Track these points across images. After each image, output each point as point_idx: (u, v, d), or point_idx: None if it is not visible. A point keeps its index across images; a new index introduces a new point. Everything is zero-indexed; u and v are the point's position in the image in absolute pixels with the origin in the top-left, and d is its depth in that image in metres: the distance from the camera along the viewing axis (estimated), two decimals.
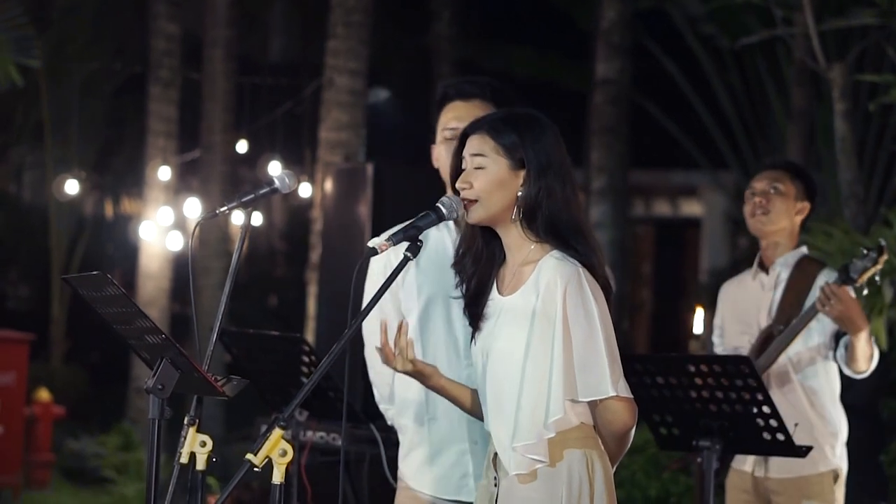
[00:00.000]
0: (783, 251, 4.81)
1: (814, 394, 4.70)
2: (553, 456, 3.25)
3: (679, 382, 4.23)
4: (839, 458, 4.72)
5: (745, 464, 4.76)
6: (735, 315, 4.91)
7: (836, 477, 4.70)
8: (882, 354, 5.04)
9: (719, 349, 4.95)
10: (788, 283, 4.75)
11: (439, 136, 3.94)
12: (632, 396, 3.29)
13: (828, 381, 4.73)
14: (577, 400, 3.25)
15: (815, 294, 4.64)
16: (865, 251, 4.55)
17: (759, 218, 4.77)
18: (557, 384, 3.23)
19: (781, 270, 4.80)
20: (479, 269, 3.40)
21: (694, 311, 14.12)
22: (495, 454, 3.36)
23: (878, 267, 4.54)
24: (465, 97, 3.93)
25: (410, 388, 3.80)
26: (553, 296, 3.24)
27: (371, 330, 3.87)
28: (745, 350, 4.79)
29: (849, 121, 7.60)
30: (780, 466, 4.68)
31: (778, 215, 4.76)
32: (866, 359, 4.60)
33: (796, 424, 4.63)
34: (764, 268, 4.85)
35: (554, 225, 3.30)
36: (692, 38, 12.70)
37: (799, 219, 4.81)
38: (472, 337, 3.41)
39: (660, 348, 15.92)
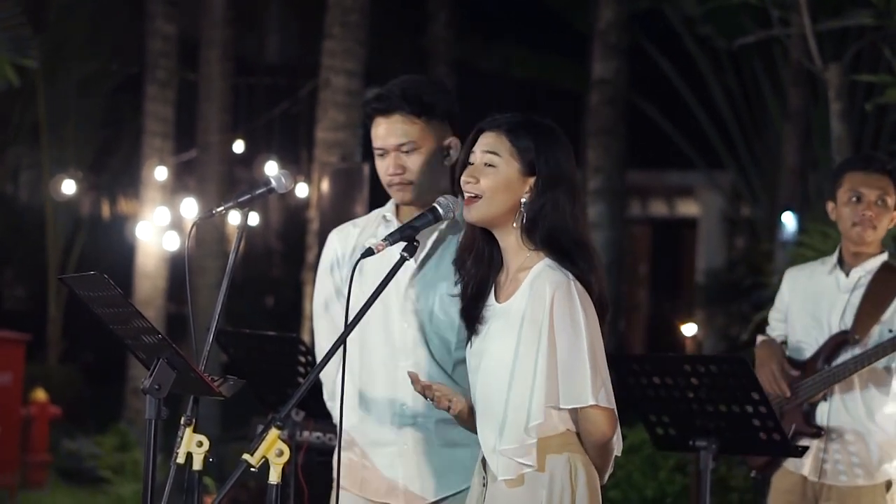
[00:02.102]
0: (868, 256, 4.73)
1: (876, 406, 4.63)
2: (539, 461, 3.25)
3: (675, 382, 4.22)
4: (894, 468, 4.66)
5: (802, 467, 4.69)
6: (804, 308, 4.82)
7: (888, 486, 4.66)
8: None
9: (776, 332, 4.88)
10: (868, 290, 4.67)
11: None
12: (613, 407, 3.26)
13: (891, 397, 4.66)
14: (560, 407, 3.25)
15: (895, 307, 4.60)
16: None
17: (866, 231, 4.67)
18: (539, 390, 3.22)
19: (863, 275, 4.71)
20: (480, 271, 3.38)
21: (688, 317, 14.15)
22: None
23: None
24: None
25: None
26: (542, 302, 3.23)
27: (322, 326, 3.92)
28: (810, 348, 4.73)
29: (845, 121, 7.60)
30: (836, 474, 4.63)
31: (882, 230, 4.68)
32: None
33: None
34: (842, 266, 4.77)
35: (555, 237, 3.27)
36: (689, 38, 12.70)
37: (890, 226, 4.73)
38: (469, 341, 3.40)
39: (656, 348, 15.90)
